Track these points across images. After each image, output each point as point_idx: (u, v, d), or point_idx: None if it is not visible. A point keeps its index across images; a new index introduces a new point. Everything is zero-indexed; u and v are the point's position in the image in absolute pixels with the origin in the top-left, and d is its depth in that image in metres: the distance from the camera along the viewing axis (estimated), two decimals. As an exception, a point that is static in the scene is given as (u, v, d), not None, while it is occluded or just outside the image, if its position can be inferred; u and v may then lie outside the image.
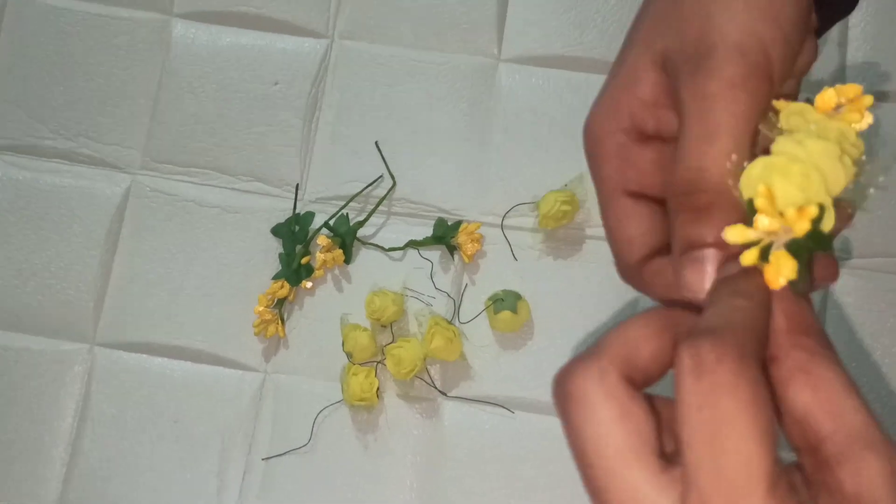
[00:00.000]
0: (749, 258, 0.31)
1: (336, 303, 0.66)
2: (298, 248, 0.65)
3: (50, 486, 0.64)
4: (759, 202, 0.31)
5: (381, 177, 0.68)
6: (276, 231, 0.67)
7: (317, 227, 0.66)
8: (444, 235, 0.66)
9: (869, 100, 0.33)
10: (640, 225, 0.38)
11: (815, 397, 0.30)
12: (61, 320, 0.66)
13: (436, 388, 0.64)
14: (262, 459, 0.64)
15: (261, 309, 0.64)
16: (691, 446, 0.28)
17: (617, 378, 0.30)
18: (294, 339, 0.66)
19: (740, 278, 0.32)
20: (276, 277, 0.65)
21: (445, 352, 0.63)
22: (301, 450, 0.64)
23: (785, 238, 0.31)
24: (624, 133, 0.39)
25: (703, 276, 0.33)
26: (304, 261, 0.65)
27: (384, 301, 0.63)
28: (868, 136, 0.33)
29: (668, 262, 0.36)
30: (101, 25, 0.71)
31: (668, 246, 0.36)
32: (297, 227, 0.66)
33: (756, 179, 0.31)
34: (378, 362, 0.64)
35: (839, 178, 0.31)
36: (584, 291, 0.65)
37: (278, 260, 0.66)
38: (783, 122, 0.33)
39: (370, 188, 0.67)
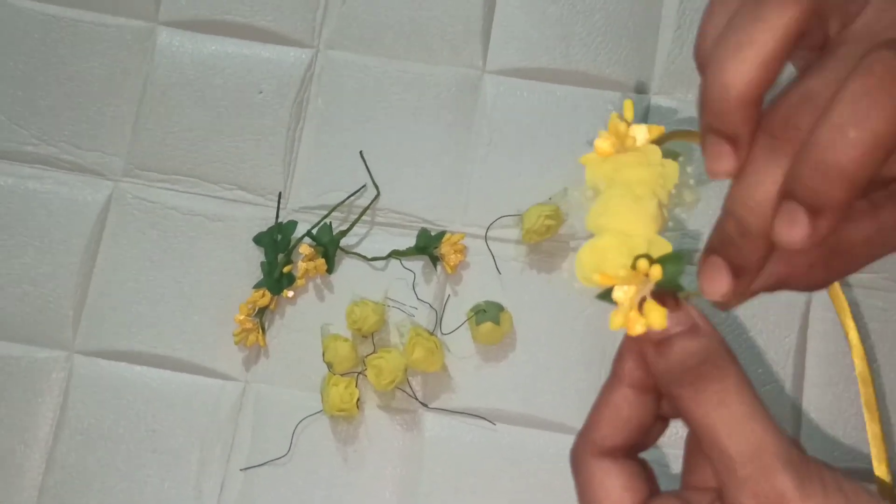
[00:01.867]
0: (617, 322, 0.34)
1: (317, 312, 0.66)
2: (280, 256, 0.65)
3: (25, 494, 0.63)
4: (602, 283, 0.34)
5: (364, 186, 0.68)
6: (259, 240, 0.66)
7: (299, 236, 0.66)
8: (427, 246, 0.65)
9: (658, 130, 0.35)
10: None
11: (712, 418, 0.33)
12: (40, 327, 0.66)
13: (417, 399, 0.64)
14: (241, 470, 0.63)
15: (241, 318, 0.64)
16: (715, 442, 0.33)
17: (612, 454, 0.36)
18: (274, 349, 0.65)
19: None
20: (257, 286, 0.65)
21: (427, 363, 0.63)
22: (280, 460, 0.63)
23: (644, 293, 0.33)
24: None
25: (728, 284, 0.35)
26: (285, 270, 0.65)
27: (365, 311, 0.63)
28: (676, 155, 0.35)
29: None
30: (85, 32, 0.71)
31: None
32: (279, 236, 0.66)
33: (589, 268, 0.34)
34: (359, 373, 0.64)
35: (653, 223, 0.34)
36: (566, 304, 0.65)
37: (260, 269, 0.66)
38: (588, 179, 0.35)
39: (353, 198, 0.67)
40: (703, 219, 0.64)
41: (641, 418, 0.36)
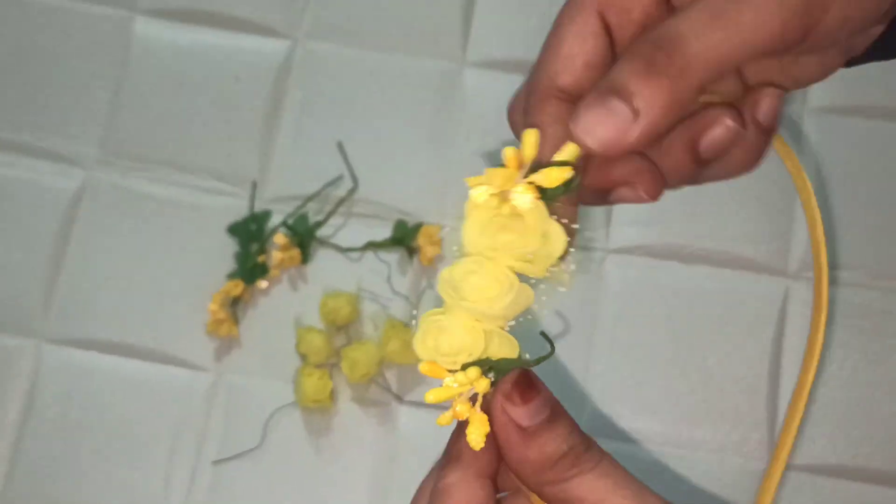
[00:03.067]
0: (443, 420, 0.31)
1: (291, 303, 0.65)
2: (254, 246, 0.65)
3: (-9, 484, 0.62)
4: (431, 375, 0.31)
5: (340, 176, 0.67)
6: (233, 229, 0.66)
7: (275, 226, 0.65)
8: (404, 237, 0.65)
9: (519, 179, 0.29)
10: (590, 50, 0.32)
11: None
12: (8, 315, 0.65)
13: (391, 392, 0.63)
14: (213, 463, 0.62)
15: (214, 308, 0.63)
16: None
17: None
18: (248, 339, 0.65)
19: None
20: (230, 276, 0.64)
21: (402, 355, 0.62)
22: (252, 452, 0.62)
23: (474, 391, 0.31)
24: None
25: (605, 127, 0.29)
26: (260, 259, 0.64)
27: (338, 302, 0.62)
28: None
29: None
30: (63, 19, 0.70)
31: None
32: (254, 226, 0.65)
33: (430, 349, 0.31)
34: (332, 365, 0.63)
35: (512, 308, 0.31)
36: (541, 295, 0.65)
37: (234, 259, 0.65)
38: (465, 227, 0.30)
39: (329, 188, 0.67)
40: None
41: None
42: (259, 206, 0.67)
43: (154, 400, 0.63)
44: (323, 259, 0.66)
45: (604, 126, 0.29)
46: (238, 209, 0.67)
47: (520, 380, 0.30)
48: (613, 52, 0.33)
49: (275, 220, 0.66)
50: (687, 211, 0.66)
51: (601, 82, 0.30)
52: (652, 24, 0.32)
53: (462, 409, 0.31)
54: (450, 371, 0.31)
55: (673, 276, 0.65)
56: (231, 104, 0.69)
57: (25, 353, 0.64)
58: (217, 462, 0.62)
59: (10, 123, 0.68)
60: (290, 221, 0.65)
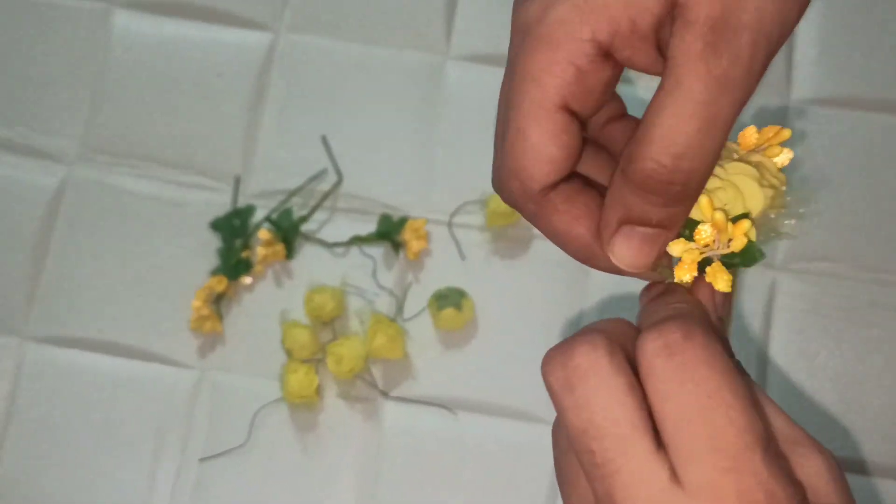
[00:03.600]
0: (686, 271, 0.32)
1: (276, 299, 0.64)
2: (238, 242, 0.64)
3: (-27, 485, 0.61)
4: (702, 212, 0.32)
5: (324, 170, 0.66)
6: (216, 225, 0.65)
7: (258, 221, 0.65)
8: (389, 232, 0.64)
9: (787, 133, 0.33)
10: (566, 145, 0.32)
11: None
12: (-10, 313, 0.64)
13: (377, 387, 0.63)
14: (199, 460, 0.62)
15: (198, 304, 0.62)
16: (682, 423, 0.28)
17: (623, 355, 0.30)
18: (232, 336, 0.64)
19: (669, 296, 0.33)
20: (214, 272, 0.64)
21: (388, 350, 0.62)
22: (237, 450, 0.62)
23: (719, 253, 0.32)
24: (591, 43, 0.31)
25: (638, 253, 0.32)
26: (243, 255, 0.63)
27: (323, 297, 0.62)
28: (789, 171, 0.33)
29: (581, 190, 0.33)
30: (40, 13, 0.69)
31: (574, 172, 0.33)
32: (237, 222, 0.65)
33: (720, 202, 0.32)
34: (318, 360, 0.62)
35: (757, 199, 0.32)
36: (530, 291, 0.64)
37: (217, 255, 0.65)
38: None
39: (313, 183, 0.66)
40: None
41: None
42: (242, 202, 0.66)
43: (138, 398, 0.63)
44: (308, 254, 0.65)
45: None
46: (221, 204, 0.66)
47: None
48: (583, 135, 0.33)
49: (259, 215, 0.65)
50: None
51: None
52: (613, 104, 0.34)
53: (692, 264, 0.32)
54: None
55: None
56: (213, 98, 0.68)
57: (8, 351, 0.63)
58: (203, 459, 0.62)
59: (-12, 119, 0.68)
60: (274, 216, 0.65)
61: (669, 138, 0.29)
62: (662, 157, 0.29)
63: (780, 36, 0.30)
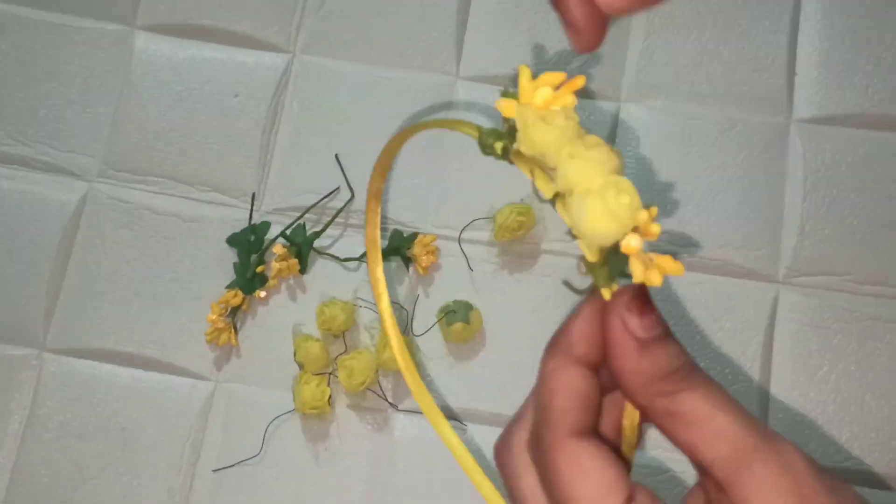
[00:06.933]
0: (638, 271, 0.32)
1: (289, 313, 0.66)
2: (253, 256, 0.66)
3: (-7, 493, 0.63)
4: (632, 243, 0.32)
5: (337, 188, 0.68)
6: (232, 240, 0.67)
7: (273, 237, 0.67)
8: (400, 247, 0.66)
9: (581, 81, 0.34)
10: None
11: (688, 434, 0.32)
12: (11, 325, 0.66)
13: (387, 400, 0.64)
14: (213, 471, 0.63)
15: (214, 317, 0.64)
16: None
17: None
18: (246, 349, 0.66)
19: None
20: (230, 286, 0.65)
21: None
22: (251, 460, 0.63)
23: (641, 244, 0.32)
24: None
25: None
26: (258, 270, 0.65)
27: (334, 311, 0.63)
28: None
29: None
30: (64, 34, 0.72)
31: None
32: (252, 237, 0.66)
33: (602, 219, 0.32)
34: (330, 373, 0.64)
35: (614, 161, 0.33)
36: (538, 304, 0.66)
37: (233, 269, 0.66)
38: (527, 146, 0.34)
39: (326, 200, 0.68)
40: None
41: (597, 398, 0.35)
42: (258, 218, 0.68)
43: (155, 408, 0.64)
44: (321, 269, 0.67)
45: None
46: (237, 220, 0.68)
47: (639, 293, 0.32)
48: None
49: (273, 230, 0.67)
50: (675, 218, 0.67)
51: None
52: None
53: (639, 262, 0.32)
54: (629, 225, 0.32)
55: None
56: (230, 118, 0.70)
57: (28, 363, 0.65)
58: (217, 470, 0.63)
59: (12, 137, 0.70)
60: (289, 232, 0.66)
61: None
62: None
63: None
